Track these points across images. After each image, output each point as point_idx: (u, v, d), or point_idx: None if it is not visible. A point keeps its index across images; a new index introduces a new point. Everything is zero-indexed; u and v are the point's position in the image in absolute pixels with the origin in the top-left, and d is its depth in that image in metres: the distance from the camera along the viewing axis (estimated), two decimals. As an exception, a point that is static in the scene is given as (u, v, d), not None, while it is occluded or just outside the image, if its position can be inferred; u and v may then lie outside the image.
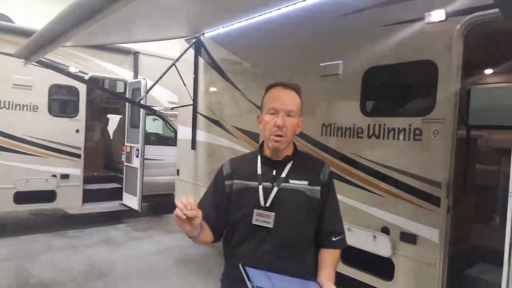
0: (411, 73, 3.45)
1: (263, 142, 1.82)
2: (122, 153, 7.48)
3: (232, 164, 1.85)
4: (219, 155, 5.40)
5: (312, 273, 1.69)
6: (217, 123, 5.42)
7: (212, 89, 5.64)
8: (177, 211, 1.43)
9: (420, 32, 3.19)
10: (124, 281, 4.75)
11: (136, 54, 7.60)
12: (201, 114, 5.78)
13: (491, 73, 5.16)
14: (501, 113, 5.15)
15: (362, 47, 3.65)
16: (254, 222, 1.68)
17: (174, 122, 8.02)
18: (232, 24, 5.08)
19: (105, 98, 9.50)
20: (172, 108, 6.71)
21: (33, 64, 5.08)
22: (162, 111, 7.69)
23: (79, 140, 6.87)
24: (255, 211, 1.69)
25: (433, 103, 3.11)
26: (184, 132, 6.20)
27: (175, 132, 7.69)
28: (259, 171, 1.75)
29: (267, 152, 1.78)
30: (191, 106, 5.89)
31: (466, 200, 3.57)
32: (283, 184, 1.71)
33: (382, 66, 3.49)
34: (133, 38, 6.19)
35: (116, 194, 7.59)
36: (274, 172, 1.74)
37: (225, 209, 1.77)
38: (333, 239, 1.74)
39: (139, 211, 6.98)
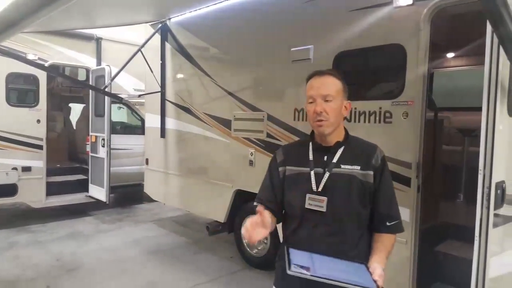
0: (380, 57, 3.51)
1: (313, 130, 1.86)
2: (87, 143, 7.28)
3: (284, 151, 1.91)
4: (190, 143, 5.35)
5: (365, 258, 1.71)
6: (187, 110, 5.34)
7: (181, 75, 5.54)
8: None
9: (389, 16, 3.25)
10: (95, 274, 4.64)
11: (98, 40, 7.32)
12: (170, 101, 5.67)
13: (454, 56, 5.34)
14: (463, 95, 5.34)
15: (332, 31, 3.68)
16: (307, 206, 1.73)
17: (140, 110, 7.86)
18: (200, 9, 4.99)
19: (66, 86, 9.15)
20: (139, 96, 6.55)
21: (-12, 52, 4.81)
22: (128, 99, 7.50)
23: (40, 131, 6.60)
24: (308, 195, 1.73)
25: (402, 86, 3.19)
26: (152, 120, 6.08)
27: (142, 120, 7.55)
28: (311, 157, 1.80)
29: (317, 139, 1.82)
30: (159, 94, 5.78)
31: (434, 179, 3.70)
32: (335, 169, 1.74)
33: (352, 51, 3.54)
34: (95, 23, 5.98)
35: (82, 186, 7.40)
36: (325, 158, 1.77)
37: (281, 194, 1.84)
38: (388, 224, 1.76)
39: (107, 203, 6.83)
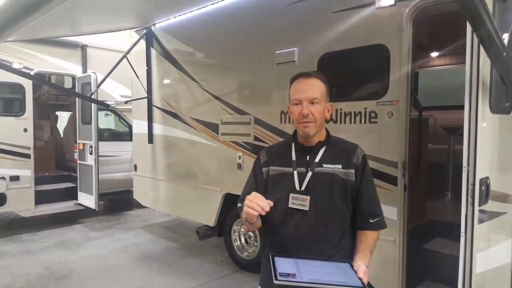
0: (364, 58, 3.51)
1: (296, 130, 1.87)
2: (75, 151, 7.22)
3: (267, 152, 1.95)
4: (178, 148, 5.33)
5: (348, 256, 1.74)
6: (174, 115, 5.32)
7: (167, 80, 5.52)
8: (255, 210, 1.56)
9: (371, 17, 3.27)
10: (85, 282, 4.60)
11: (84, 47, 7.29)
12: (157, 107, 5.65)
13: (439, 55, 5.38)
14: (449, 94, 5.39)
15: (316, 33, 3.69)
16: (290, 205, 1.75)
17: (127, 116, 7.81)
18: (184, 14, 4.98)
19: (53, 94, 9.08)
20: (126, 102, 6.52)
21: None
22: (115, 105, 7.46)
23: (27, 140, 6.55)
24: (291, 195, 1.76)
25: (387, 86, 3.20)
26: (139, 126, 6.04)
27: (130, 126, 7.51)
28: (294, 157, 1.83)
29: (300, 139, 1.85)
30: (146, 99, 5.75)
31: (421, 177, 3.72)
32: (317, 169, 1.77)
33: (336, 52, 3.54)
34: (80, 31, 5.95)
35: (71, 194, 7.34)
36: (308, 157, 1.80)
37: (265, 194, 1.83)
38: (371, 221, 1.79)
39: (96, 210, 6.78)
